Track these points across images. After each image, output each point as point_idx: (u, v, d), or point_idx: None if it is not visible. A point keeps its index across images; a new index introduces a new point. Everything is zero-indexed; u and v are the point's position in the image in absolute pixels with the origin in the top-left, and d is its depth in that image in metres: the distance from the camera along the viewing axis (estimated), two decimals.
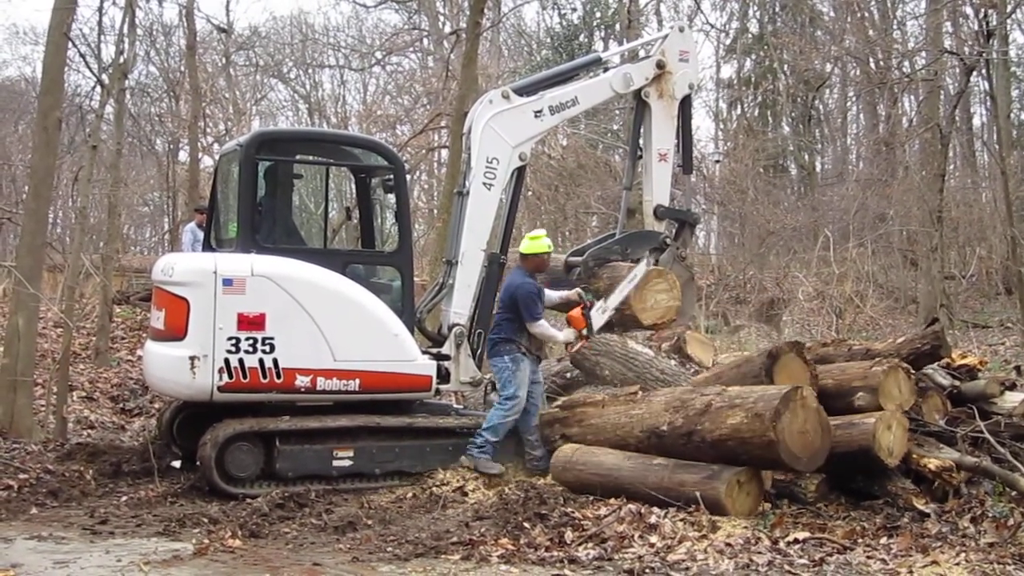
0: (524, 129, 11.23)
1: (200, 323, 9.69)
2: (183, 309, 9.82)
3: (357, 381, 10.01)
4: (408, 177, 12.55)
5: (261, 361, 9.71)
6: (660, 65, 11.95)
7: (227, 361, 9.65)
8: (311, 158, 12.42)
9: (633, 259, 11.76)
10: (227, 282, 9.68)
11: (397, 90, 36.09)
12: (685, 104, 12.26)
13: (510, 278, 10.61)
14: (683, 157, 12.56)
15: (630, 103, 13.60)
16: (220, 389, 9.68)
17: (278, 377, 9.77)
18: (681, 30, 12.51)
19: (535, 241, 10.71)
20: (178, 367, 9.76)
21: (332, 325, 9.92)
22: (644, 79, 11.94)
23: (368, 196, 12.29)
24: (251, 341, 9.69)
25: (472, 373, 10.95)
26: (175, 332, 9.88)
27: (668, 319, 11.71)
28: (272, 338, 9.74)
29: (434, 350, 10.78)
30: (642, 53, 12.61)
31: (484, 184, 10.93)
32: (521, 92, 11.34)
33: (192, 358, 9.66)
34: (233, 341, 9.66)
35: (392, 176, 10.94)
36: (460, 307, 10.93)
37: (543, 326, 10.55)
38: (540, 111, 11.30)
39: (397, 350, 10.20)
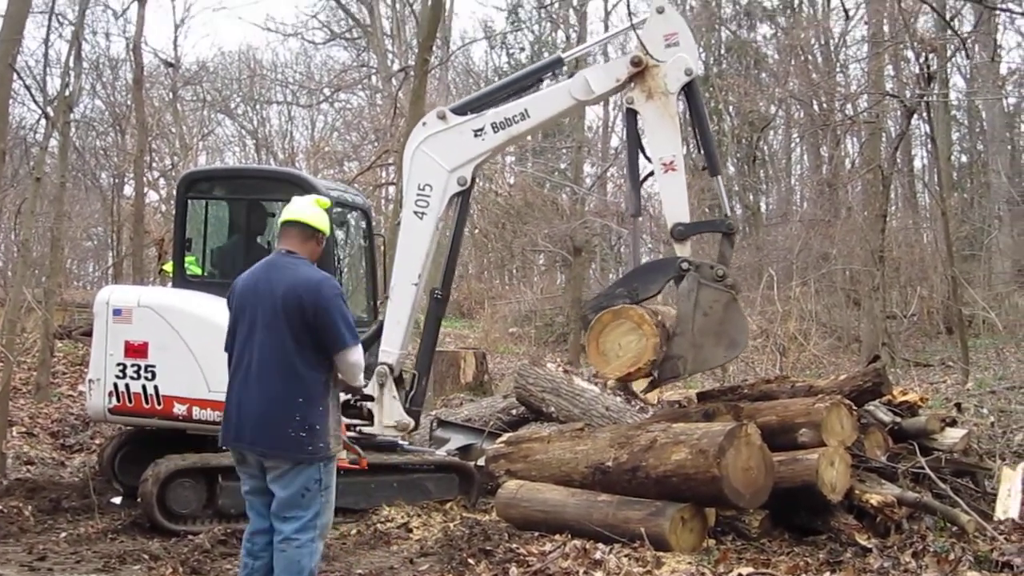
0: (462, 151, 10.26)
1: (97, 349, 10.43)
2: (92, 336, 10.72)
3: None
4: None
5: (144, 387, 10.22)
6: (637, 62, 9.73)
7: (116, 385, 10.25)
8: (237, 195, 11.84)
9: (644, 297, 9.64)
10: (116, 312, 10.35)
11: (345, 127, 36.18)
12: (690, 95, 9.90)
13: (296, 268, 6.33)
14: (706, 157, 10.19)
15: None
16: (110, 411, 10.34)
17: (158, 404, 10.21)
18: (660, 11, 9.81)
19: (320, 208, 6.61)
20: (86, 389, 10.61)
21: (207, 356, 9.95)
22: (615, 81, 9.94)
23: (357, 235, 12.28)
24: (135, 368, 10.24)
25: (398, 416, 10.35)
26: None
27: (645, 361, 9.17)
28: (154, 366, 10.23)
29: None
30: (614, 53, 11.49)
31: (415, 213, 10.25)
32: (465, 109, 10.40)
33: (90, 381, 10.41)
34: (121, 367, 10.26)
35: None
36: (389, 345, 10.35)
37: (360, 355, 6.48)
38: (481, 130, 10.17)
39: None
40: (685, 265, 9.45)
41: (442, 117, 10.27)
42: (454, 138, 10.22)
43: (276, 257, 6.39)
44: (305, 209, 6.48)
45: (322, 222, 6.51)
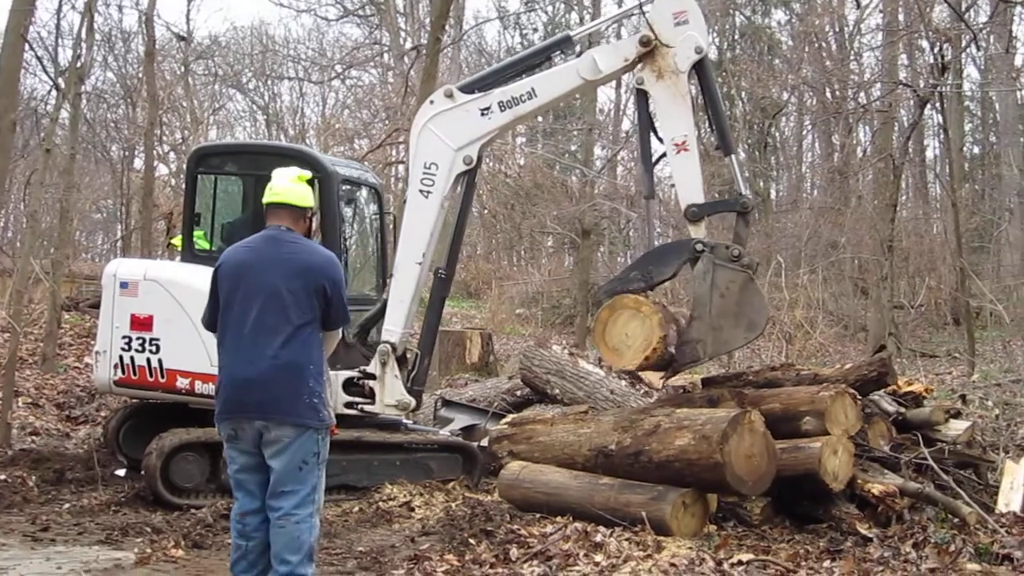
0: (468, 130, 10.12)
1: (104, 321, 10.53)
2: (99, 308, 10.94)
3: None
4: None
5: (148, 360, 10.29)
6: (646, 41, 9.44)
7: (121, 358, 10.32)
8: (245, 171, 11.71)
9: (659, 280, 9.58)
10: (123, 285, 10.42)
11: (356, 104, 36.12)
12: (701, 73, 9.60)
13: (307, 244, 6.42)
14: (718, 136, 9.97)
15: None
16: (116, 383, 10.43)
17: (162, 377, 10.29)
18: None
19: (303, 184, 6.53)
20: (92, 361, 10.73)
21: None
22: (623, 61, 9.68)
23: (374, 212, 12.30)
24: (140, 341, 10.30)
25: (399, 396, 10.24)
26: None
27: (657, 341, 8.91)
28: (158, 339, 10.29)
29: (360, 369, 10.33)
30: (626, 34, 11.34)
31: (420, 191, 10.15)
32: (473, 88, 10.24)
33: (97, 353, 10.54)
34: (126, 340, 10.32)
35: (319, 184, 10.49)
36: (392, 324, 10.26)
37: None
38: (487, 108, 10.02)
39: None
40: (700, 246, 9.21)
41: (449, 95, 10.12)
42: (460, 117, 10.08)
43: (276, 232, 6.27)
44: (291, 189, 6.38)
45: (309, 199, 6.46)
